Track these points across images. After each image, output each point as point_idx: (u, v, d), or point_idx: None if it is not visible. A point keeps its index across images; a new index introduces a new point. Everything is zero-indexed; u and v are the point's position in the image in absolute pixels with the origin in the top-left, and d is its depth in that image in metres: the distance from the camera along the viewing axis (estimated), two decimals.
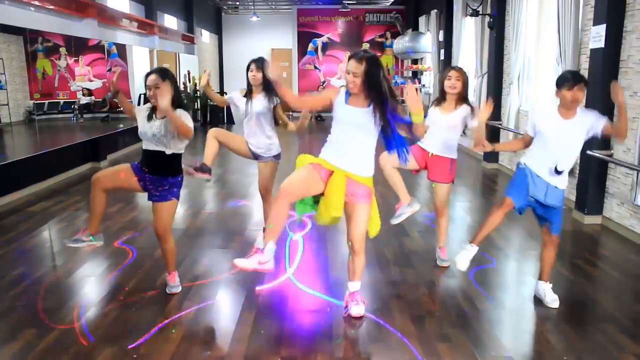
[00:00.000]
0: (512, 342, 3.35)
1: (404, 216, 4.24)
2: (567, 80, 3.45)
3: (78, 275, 4.33)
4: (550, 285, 3.82)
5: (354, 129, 3.30)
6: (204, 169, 4.63)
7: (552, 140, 3.54)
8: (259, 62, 4.62)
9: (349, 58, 3.27)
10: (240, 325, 3.47)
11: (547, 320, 3.60)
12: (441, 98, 4.28)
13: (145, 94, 3.74)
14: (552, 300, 3.76)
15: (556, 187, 3.59)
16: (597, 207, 5.83)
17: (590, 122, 3.51)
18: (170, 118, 3.48)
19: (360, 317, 3.55)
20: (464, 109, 4.19)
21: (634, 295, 4.10)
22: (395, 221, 4.28)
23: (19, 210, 6.30)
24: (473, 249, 3.74)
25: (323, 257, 4.69)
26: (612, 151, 5.62)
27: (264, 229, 4.81)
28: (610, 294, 4.11)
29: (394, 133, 3.28)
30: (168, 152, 3.69)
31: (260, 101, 4.63)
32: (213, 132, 4.69)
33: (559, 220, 3.72)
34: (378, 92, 3.21)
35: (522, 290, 4.17)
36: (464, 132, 4.34)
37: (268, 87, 4.59)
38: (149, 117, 3.73)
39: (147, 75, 3.63)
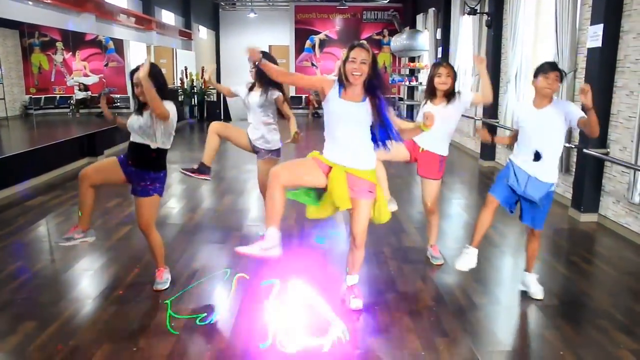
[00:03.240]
0: (509, 337, 3.39)
1: None
2: (543, 68, 3.58)
3: (77, 269, 4.34)
4: (536, 276, 3.91)
5: (350, 123, 3.29)
6: (202, 170, 4.65)
7: (528, 130, 3.65)
8: None
9: (352, 47, 3.23)
10: (240, 319, 3.49)
11: (544, 316, 3.63)
12: (431, 94, 4.22)
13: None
14: (537, 291, 3.84)
15: (537, 178, 3.63)
16: (593, 205, 5.86)
17: (565, 112, 3.57)
18: (145, 89, 3.44)
19: (360, 310, 3.58)
20: (455, 101, 4.15)
21: (629, 292, 4.13)
22: None
23: (17, 204, 6.30)
24: (473, 251, 3.81)
25: (320, 252, 4.70)
26: (608, 149, 5.66)
27: None
28: (605, 290, 4.15)
29: (383, 129, 3.27)
30: (153, 146, 3.71)
31: (257, 94, 4.63)
32: (214, 127, 4.69)
33: (541, 217, 3.76)
34: (379, 84, 3.23)
35: (518, 286, 4.20)
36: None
37: (264, 80, 4.55)
38: (138, 111, 3.75)
39: (134, 71, 3.62)
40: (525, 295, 3.90)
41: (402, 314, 3.58)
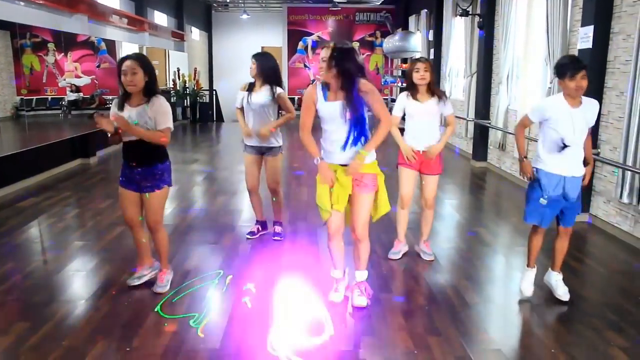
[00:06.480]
0: (501, 336, 3.40)
1: None
2: (568, 69, 3.37)
3: (69, 270, 4.32)
4: (561, 276, 3.85)
5: (342, 122, 3.34)
6: (262, 225, 5.16)
7: (562, 130, 3.47)
8: (257, 56, 4.75)
9: (322, 47, 3.49)
10: (233, 319, 3.49)
11: (536, 314, 3.66)
12: (412, 90, 4.26)
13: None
14: (564, 293, 3.77)
15: (574, 176, 3.59)
16: (584, 205, 5.88)
17: (592, 114, 3.56)
18: (142, 137, 3.56)
19: (363, 308, 3.61)
20: (441, 102, 4.27)
21: (620, 290, 4.16)
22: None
23: (9, 206, 6.27)
24: (532, 271, 3.86)
25: (313, 252, 4.71)
26: (598, 150, 5.69)
27: (275, 223, 5.10)
28: (596, 289, 4.18)
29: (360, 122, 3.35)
30: None
31: (262, 93, 4.71)
32: (249, 189, 4.99)
33: (576, 214, 3.77)
34: (348, 80, 3.29)
35: (510, 285, 4.24)
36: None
37: (269, 79, 4.69)
38: (121, 107, 3.63)
39: (123, 60, 3.55)
40: (518, 295, 3.92)
41: (394, 313, 3.60)
